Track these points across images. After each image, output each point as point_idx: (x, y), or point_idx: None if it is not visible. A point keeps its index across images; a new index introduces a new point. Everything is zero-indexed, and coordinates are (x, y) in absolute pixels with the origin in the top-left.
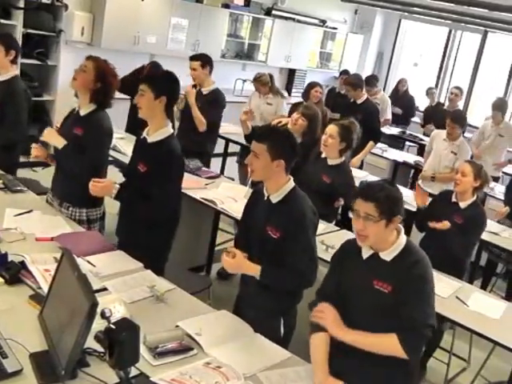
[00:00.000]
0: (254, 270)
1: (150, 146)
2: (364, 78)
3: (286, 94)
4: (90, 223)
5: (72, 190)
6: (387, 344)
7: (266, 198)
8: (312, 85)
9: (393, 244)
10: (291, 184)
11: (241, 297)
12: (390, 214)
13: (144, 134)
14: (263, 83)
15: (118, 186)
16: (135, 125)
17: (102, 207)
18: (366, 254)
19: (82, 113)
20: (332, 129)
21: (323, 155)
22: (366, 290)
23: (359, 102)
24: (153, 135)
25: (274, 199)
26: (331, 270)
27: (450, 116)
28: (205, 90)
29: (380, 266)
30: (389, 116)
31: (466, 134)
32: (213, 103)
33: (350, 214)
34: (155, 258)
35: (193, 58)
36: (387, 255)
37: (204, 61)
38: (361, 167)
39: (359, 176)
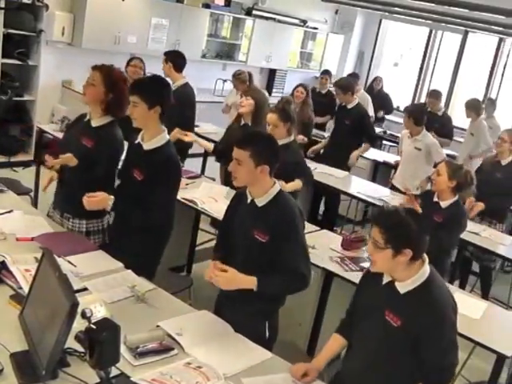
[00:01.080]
0: (251, 282)
1: (147, 154)
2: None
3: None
4: (90, 235)
5: (73, 201)
6: None
7: (249, 201)
8: (296, 86)
9: (411, 276)
10: (277, 187)
11: (222, 299)
12: (399, 245)
13: (139, 139)
14: (242, 81)
15: (112, 197)
16: (126, 128)
17: (104, 218)
18: (385, 279)
19: (94, 124)
20: (271, 117)
21: None
22: (376, 318)
23: (349, 106)
24: (149, 142)
25: (260, 203)
26: (357, 288)
27: (405, 110)
28: (173, 86)
29: (394, 296)
30: (371, 114)
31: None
32: (182, 100)
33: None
34: (148, 262)
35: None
36: (402, 287)
37: (169, 57)
38: (349, 169)
39: (340, 177)
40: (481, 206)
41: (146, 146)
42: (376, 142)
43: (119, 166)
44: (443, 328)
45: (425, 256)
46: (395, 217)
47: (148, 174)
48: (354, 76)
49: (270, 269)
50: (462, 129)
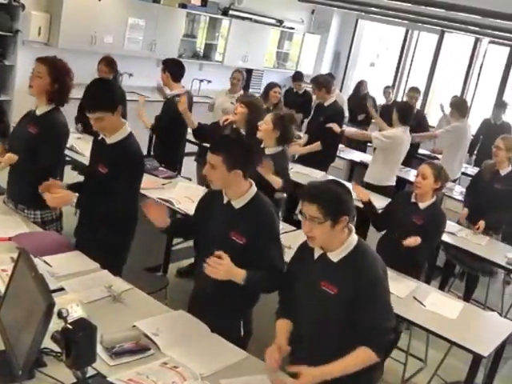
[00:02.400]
0: (240, 275)
1: (110, 148)
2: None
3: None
4: (46, 225)
5: (25, 191)
6: (363, 360)
7: (225, 201)
8: (271, 85)
9: (341, 244)
10: (254, 189)
11: (196, 299)
12: (336, 215)
13: (102, 134)
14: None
15: (77, 194)
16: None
17: (57, 208)
18: (316, 253)
19: (38, 112)
20: (268, 116)
21: (262, 145)
22: (314, 291)
23: (326, 104)
24: (112, 136)
25: (237, 205)
26: (287, 273)
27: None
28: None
29: (328, 266)
30: (345, 114)
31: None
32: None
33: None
34: (114, 258)
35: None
36: (334, 256)
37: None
38: (326, 170)
39: (316, 177)
40: (483, 224)
41: (109, 141)
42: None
43: (79, 161)
44: (376, 289)
45: (351, 225)
46: (327, 190)
47: (111, 166)
48: (329, 75)
49: (245, 268)
50: (432, 127)
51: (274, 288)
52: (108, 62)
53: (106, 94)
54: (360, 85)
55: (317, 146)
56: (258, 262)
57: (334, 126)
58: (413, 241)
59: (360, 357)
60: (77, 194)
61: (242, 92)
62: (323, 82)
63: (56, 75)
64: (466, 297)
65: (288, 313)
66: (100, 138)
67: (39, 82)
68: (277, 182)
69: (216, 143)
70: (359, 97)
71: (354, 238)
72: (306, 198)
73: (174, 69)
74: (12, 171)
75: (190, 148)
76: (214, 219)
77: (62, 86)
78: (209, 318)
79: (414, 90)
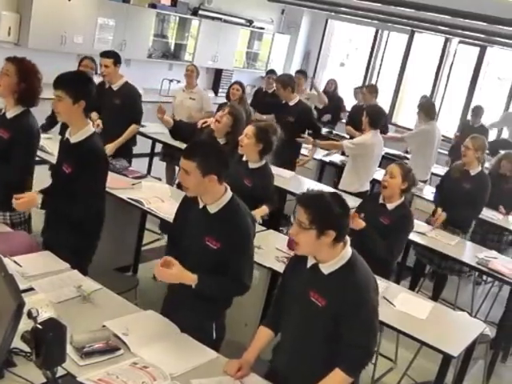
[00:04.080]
0: (192, 279)
1: (73, 147)
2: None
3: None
4: (15, 226)
5: None
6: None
7: (201, 206)
8: (231, 84)
9: (334, 257)
10: (229, 194)
11: (170, 301)
12: (323, 226)
13: (67, 135)
14: (189, 74)
15: (41, 195)
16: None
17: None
18: (309, 262)
19: (9, 115)
20: (249, 129)
21: (244, 158)
22: (302, 300)
23: (291, 103)
24: (75, 136)
25: (212, 210)
26: (282, 279)
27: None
28: (115, 86)
29: (318, 277)
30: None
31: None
32: (133, 96)
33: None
34: (79, 258)
35: (105, 55)
36: (326, 268)
37: (117, 59)
38: (293, 169)
39: (286, 177)
40: (443, 216)
41: (73, 140)
42: (320, 134)
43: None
44: (364, 307)
45: (347, 238)
46: (320, 199)
47: (75, 166)
48: (301, 73)
49: (216, 273)
50: (408, 128)
51: (230, 296)
52: (93, 60)
53: (77, 80)
54: (327, 84)
55: (264, 210)
56: (225, 268)
57: (307, 140)
58: (356, 223)
59: (336, 381)
60: (41, 195)
61: (197, 86)
62: (288, 81)
63: (24, 75)
64: (435, 296)
65: (273, 322)
66: (65, 138)
67: (6, 80)
68: (264, 211)
69: (189, 149)
70: (327, 96)
71: (348, 252)
72: (299, 202)
73: (121, 60)
74: None
75: (159, 148)
76: (190, 224)
77: (29, 85)
78: (182, 320)
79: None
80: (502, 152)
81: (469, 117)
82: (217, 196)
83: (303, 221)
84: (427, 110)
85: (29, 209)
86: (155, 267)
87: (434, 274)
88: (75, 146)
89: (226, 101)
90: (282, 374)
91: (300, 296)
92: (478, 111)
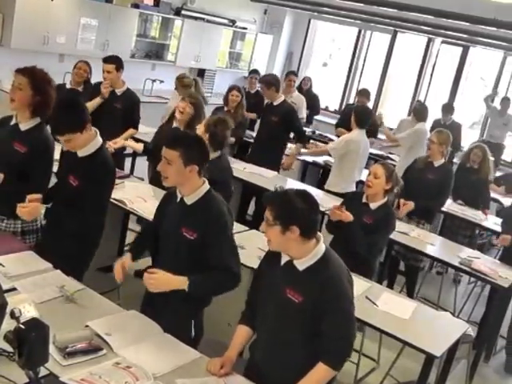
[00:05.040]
0: (182, 282)
1: (82, 160)
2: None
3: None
4: (25, 235)
5: (6, 203)
6: (324, 377)
7: (178, 199)
8: (230, 88)
9: (307, 253)
10: (206, 186)
11: (148, 299)
12: (286, 221)
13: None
14: (184, 84)
15: (44, 206)
16: None
17: (38, 219)
18: (283, 259)
19: (23, 128)
20: (203, 122)
21: None
22: (278, 297)
23: (275, 103)
24: (83, 149)
25: (189, 201)
26: (255, 276)
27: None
28: (119, 91)
29: (293, 274)
30: (303, 115)
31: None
32: (135, 102)
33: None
34: (78, 265)
35: (107, 61)
36: (300, 264)
37: (119, 64)
38: (278, 170)
39: (269, 177)
40: (410, 205)
41: (81, 153)
42: (305, 137)
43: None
44: (340, 301)
45: (319, 235)
46: (283, 196)
47: (83, 180)
48: (294, 74)
49: (200, 267)
50: (390, 128)
51: (225, 290)
52: (87, 63)
53: (73, 115)
54: (302, 81)
55: (298, 147)
56: (210, 261)
57: (292, 152)
58: (344, 215)
59: (321, 375)
60: (45, 206)
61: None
62: (272, 81)
63: (37, 87)
64: (409, 290)
65: (250, 319)
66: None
67: (20, 94)
68: None
69: (172, 139)
70: (302, 94)
71: (322, 248)
72: (264, 200)
73: (123, 66)
74: None
75: None
76: (168, 218)
77: (44, 97)
78: (160, 319)
79: (361, 93)
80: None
81: (462, 120)
82: (194, 187)
83: (268, 217)
84: (422, 111)
85: (30, 218)
86: (145, 280)
87: (408, 272)
88: (84, 160)
89: (222, 104)
90: (261, 370)
91: (275, 293)
92: (448, 108)
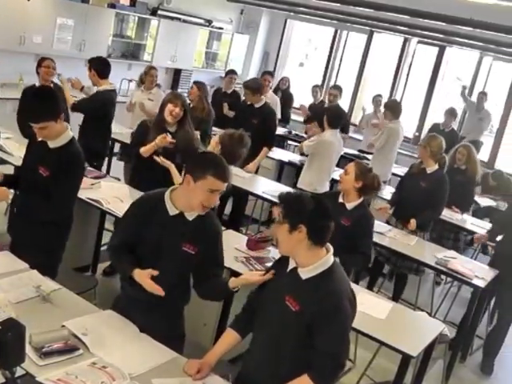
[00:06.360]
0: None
1: (52, 152)
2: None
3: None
4: None
5: None
6: None
7: (174, 213)
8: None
9: (313, 262)
10: None
11: (128, 301)
12: (294, 219)
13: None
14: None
15: (12, 191)
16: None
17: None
18: (290, 266)
19: (52, 145)
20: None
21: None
22: (277, 303)
23: (257, 105)
24: (54, 141)
25: (191, 217)
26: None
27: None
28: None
29: (296, 282)
30: (278, 115)
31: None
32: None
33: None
34: (50, 258)
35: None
36: (304, 273)
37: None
38: (256, 171)
39: (245, 177)
40: (386, 207)
41: (52, 144)
42: (273, 143)
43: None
44: (337, 317)
45: (329, 245)
46: (295, 195)
47: (54, 170)
48: (269, 74)
49: (190, 276)
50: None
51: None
52: (53, 60)
53: (47, 103)
54: (280, 81)
55: (265, 151)
56: (202, 270)
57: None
58: None
59: None
60: (12, 191)
61: (156, 88)
62: (258, 88)
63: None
64: (395, 296)
65: (242, 326)
66: (40, 139)
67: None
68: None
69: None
70: (279, 94)
71: (330, 260)
72: (278, 199)
73: (99, 66)
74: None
75: (118, 148)
76: (162, 230)
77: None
78: (145, 321)
79: (336, 87)
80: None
81: (441, 119)
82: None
83: (278, 215)
84: (394, 108)
85: (2, 201)
86: (148, 286)
87: (392, 274)
88: (55, 151)
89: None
90: (251, 377)
91: (276, 298)
92: (451, 112)
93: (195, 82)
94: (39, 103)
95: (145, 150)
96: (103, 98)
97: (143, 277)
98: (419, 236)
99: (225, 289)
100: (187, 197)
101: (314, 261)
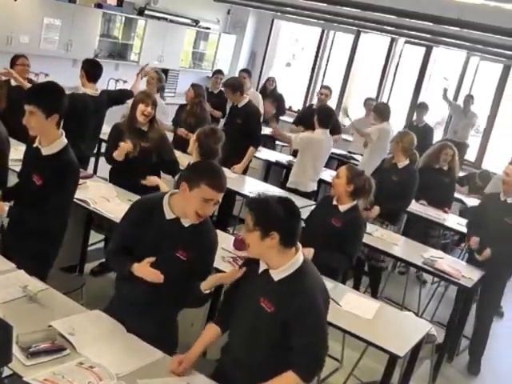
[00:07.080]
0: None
1: (46, 159)
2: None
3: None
4: None
5: None
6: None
7: (170, 218)
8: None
9: (284, 264)
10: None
11: (126, 306)
12: (265, 227)
13: (36, 143)
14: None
15: (8, 204)
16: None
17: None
18: (261, 268)
19: (45, 152)
20: None
21: None
22: (252, 305)
23: (240, 105)
24: (47, 147)
25: (187, 223)
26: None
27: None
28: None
29: (269, 284)
30: (262, 111)
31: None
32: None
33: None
34: (42, 265)
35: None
36: (276, 274)
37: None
38: (245, 172)
39: (232, 177)
40: (377, 209)
41: (45, 151)
42: (258, 142)
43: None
44: (312, 315)
45: (298, 245)
46: (264, 202)
47: (47, 178)
48: (245, 71)
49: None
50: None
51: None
52: (26, 58)
53: (49, 93)
54: (267, 81)
55: (251, 151)
56: (204, 276)
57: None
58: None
59: (287, 382)
60: (7, 204)
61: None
62: (237, 86)
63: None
64: (373, 290)
65: (222, 320)
66: (35, 146)
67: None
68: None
69: None
70: (266, 94)
71: (300, 259)
72: (246, 205)
73: (89, 68)
74: None
75: (102, 148)
76: (159, 232)
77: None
78: (145, 325)
79: (326, 87)
80: (437, 144)
81: (414, 116)
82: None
83: (248, 223)
84: (383, 111)
85: None
86: (147, 274)
87: (373, 272)
88: (48, 158)
89: (186, 103)
90: (229, 374)
91: (250, 300)
92: (422, 107)
93: (193, 85)
94: (41, 88)
95: (116, 155)
96: (73, 101)
97: (142, 267)
98: (388, 229)
99: (198, 293)
100: (183, 204)
101: (285, 262)
